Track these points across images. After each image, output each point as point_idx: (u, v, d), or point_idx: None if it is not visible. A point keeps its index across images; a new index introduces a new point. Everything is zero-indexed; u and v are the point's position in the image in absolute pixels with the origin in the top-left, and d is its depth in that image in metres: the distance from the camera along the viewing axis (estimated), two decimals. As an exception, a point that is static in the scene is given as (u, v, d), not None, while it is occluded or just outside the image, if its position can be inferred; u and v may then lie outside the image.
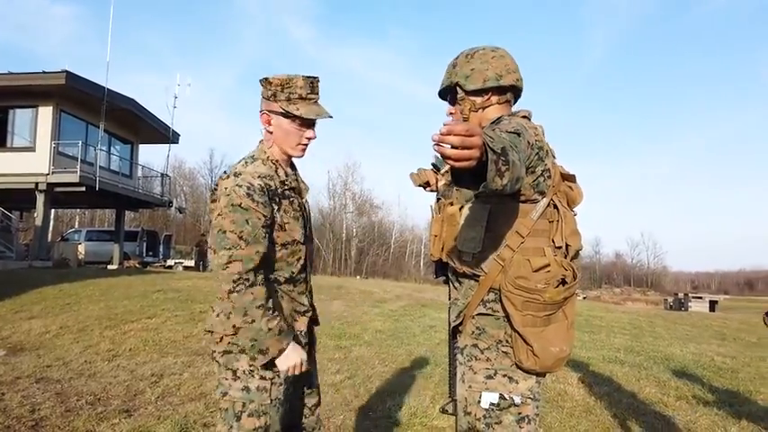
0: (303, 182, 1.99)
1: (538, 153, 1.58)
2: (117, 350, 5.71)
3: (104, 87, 16.81)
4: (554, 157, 1.75)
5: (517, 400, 1.63)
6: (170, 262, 24.77)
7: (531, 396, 1.66)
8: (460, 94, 1.79)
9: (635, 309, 19.22)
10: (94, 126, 17.79)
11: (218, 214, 1.73)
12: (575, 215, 1.74)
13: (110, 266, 18.53)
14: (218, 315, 1.81)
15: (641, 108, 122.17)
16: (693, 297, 24.07)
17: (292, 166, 1.98)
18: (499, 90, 1.77)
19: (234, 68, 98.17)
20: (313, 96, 1.86)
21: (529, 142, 1.52)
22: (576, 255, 1.72)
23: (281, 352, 1.75)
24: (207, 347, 1.84)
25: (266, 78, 1.85)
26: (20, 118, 16.88)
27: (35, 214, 17.35)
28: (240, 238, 1.68)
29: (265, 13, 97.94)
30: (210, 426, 3.53)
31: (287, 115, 1.84)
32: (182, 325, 7.15)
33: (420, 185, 2.15)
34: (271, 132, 1.88)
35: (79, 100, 17.03)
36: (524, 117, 1.75)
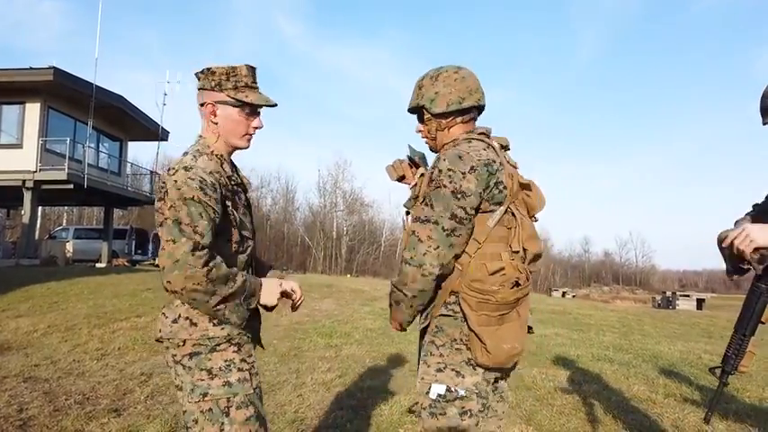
0: (245, 177, 2.00)
1: (487, 171, 1.78)
2: (106, 349, 5.66)
3: (93, 84, 16.68)
4: (515, 166, 1.96)
5: (461, 392, 1.76)
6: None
7: (477, 391, 1.78)
8: (427, 115, 1.95)
9: (623, 307, 19.37)
10: (83, 123, 17.63)
11: (171, 206, 1.66)
12: (535, 221, 1.93)
13: (98, 265, 18.37)
14: (175, 321, 1.76)
15: (631, 107, 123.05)
16: (681, 295, 24.26)
17: (232, 164, 1.95)
18: (462, 111, 1.94)
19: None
20: (255, 85, 1.87)
21: (455, 188, 1.76)
22: (536, 258, 1.88)
23: (260, 288, 1.81)
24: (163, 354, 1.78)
25: (208, 68, 1.82)
26: (7, 114, 16.69)
27: (22, 212, 17.19)
28: (195, 231, 1.63)
29: (257, 10, 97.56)
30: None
31: (235, 104, 1.82)
32: (171, 323, 7.10)
33: (396, 179, 2.18)
34: (216, 124, 1.84)
35: (67, 96, 16.88)
36: (482, 134, 1.94)
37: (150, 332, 6.56)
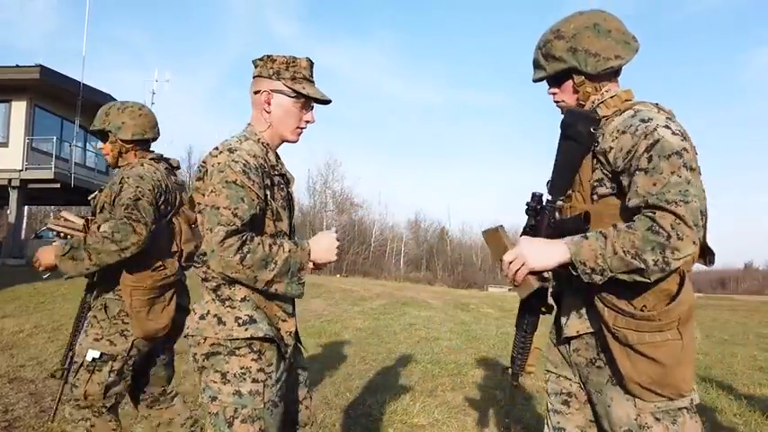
0: (289, 171, 1.93)
1: (158, 192, 2.46)
2: (93, 349, 5.61)
3: (80, 82, 16.52)
4: (181, 184, 2.66)
5: (116, 356, 2.41)
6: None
7: (126, 355, 2.43)
8: (113, 138, 2.53)
9: (611, 307, 19.44)
10: (69, 122, 17.47)
11: (212, 191, 1.62)
12: (195, 227, 2.56)
13: (85, 264, 18.16)
14: (202, 317, 1.70)
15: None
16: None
17: (276, 156, 1.91)
18: (140, 142, 2.57)
19: (214, 65, 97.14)
20: (312, 79, 1.85)
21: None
22: (190, 256, 2.56)
23: (310, 254, 1.74)
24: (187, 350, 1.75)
25: (269, 56, 1.80)
26: (-8, 113, 16.50)
27: (8, 211, 16.98)
28: (235, 215, 1.58)
29: (249, 9, 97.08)
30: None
31: (291, 94, 1.79)
32: (159, 324, 7.05)
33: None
34: (269, 113, 1.80)
35: (54, 95, 16.71)
36: (153, 159, 2.59)
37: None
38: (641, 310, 1.40)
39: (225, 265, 1.58)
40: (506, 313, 11.84)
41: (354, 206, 50.07)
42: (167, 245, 2.54)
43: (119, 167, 2.62)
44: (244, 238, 1.59)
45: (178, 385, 4.38)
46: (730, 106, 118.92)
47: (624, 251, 1.31)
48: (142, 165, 2.51)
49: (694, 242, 1.30)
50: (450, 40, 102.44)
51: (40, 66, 15.29)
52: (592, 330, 1.53)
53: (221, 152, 1.68)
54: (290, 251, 1.67)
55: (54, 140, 16.55)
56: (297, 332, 1.93)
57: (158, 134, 2.65)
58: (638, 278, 1.33)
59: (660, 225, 1.29)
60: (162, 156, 2.69)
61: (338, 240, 1.82)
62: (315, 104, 1.88)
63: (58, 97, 16.81)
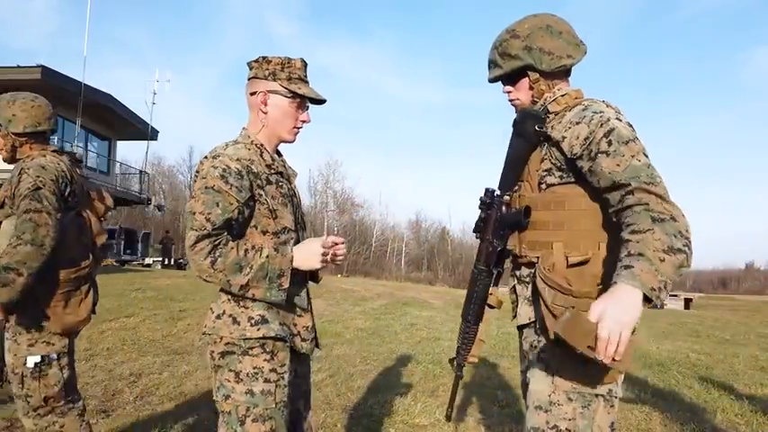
0: (290, 168, 1.94)
1: (60, 182, 2.32)
2: (94, 349, 5.63)
3: (81, 82, 16.54)
4: (84, 176, 2.58)
5: (54, 356, 2.34)
6: (148, 260, 24.45)
7: (68, 350, 2.39)
8: (3, 132, 2.39)
9: (612, 307, 19.40)
10: (71, 122, 17.50)
11: (192, 197, 1.68)
12: (103, 220, 2.63)
13: (86, 265, 18.17)
14: (218, 317, 1.73)
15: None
16: (669, 295, 24.37)
17: (278, 153, 1.93)
18: (35, 134, 2.42)
19: (215, 65, 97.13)
20: (307, 79, 1.88)
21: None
22: (104, 247, 2.58)
23: (292, 261, 1.71)
24: (202, 348, 1.77)
25: (264, 57, 1.82)
26: (-7, 113, 16.50)
27: (9, 211, 17.00)
28: (207, 220, 1.62)
29: (249, 10, 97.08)
30: (188, 426, 3.50)
31: (288, 94, 1.81)
32: (160, 324, 7.08)
33: None
34: (265, 113, 1.82)
35: (55, 95, 16.61)
36: (54, 151, 2.46)
37: (139, 332, 6.52)
38: (580, 289, 1.47)
39: (198, 268, 1.64)
40: (507, 313, 11.81)
41: (355, 206, 50.10)
42: (78, 237, 2.45)
43: (17, 161, 2.47)
44: (216, 242, 1.63)
45: (179, 385, 4.39)
46: (730, 105, 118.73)
47: (664, 252, 1.29)
48: (44, 156, 2.39)
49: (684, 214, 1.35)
50: (450, 39, 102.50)
51: (42, 66, 15.32)
52: (541, 316, 1.57)
53: (207, 159, 1.73)
54: (267, 257, 1.68)
55: (55, 141, 16.53)
56: (314, 327, 1.94)
57: (54, 125, 2.53)
58: (682, 271, 1.32)
59: (657, 210, 1.33)
60: (63, 148, 2.63)
61: (324, 248, 1.76)
62: (310, 104, 1.91)
63: (60, 98, 16.77)
